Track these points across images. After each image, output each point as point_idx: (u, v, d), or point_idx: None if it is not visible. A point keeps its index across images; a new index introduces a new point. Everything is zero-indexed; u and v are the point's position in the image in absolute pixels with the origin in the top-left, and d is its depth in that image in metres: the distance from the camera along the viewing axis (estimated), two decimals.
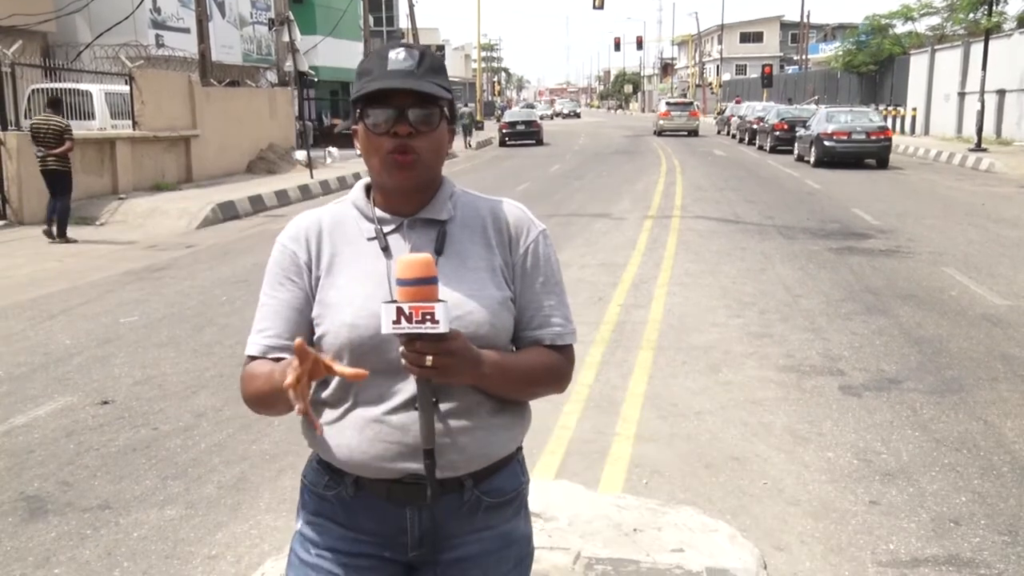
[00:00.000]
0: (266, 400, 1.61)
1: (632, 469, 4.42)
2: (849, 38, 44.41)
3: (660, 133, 40.88)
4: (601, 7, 48.87)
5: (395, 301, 1.45)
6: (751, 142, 32.73)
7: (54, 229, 11.98)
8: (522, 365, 1.65)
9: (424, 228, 1.66)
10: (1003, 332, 6.83)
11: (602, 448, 4.69)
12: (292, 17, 23.82)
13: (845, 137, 22.20)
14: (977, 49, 27.00)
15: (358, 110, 1.61)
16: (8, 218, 13.40)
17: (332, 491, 1.68)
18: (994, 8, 28.35)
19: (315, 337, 1.65)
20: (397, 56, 1.59)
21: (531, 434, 5.44)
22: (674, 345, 6.62)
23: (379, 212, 1.67)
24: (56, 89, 12.85)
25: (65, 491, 4.23)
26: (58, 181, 12.08)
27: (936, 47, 34.05)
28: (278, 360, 1.62)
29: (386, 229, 1.66)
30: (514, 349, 1.70)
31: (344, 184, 19.39)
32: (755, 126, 32.28)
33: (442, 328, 1.43)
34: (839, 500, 4.06)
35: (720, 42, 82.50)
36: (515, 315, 1.68)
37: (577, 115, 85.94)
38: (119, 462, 4.57)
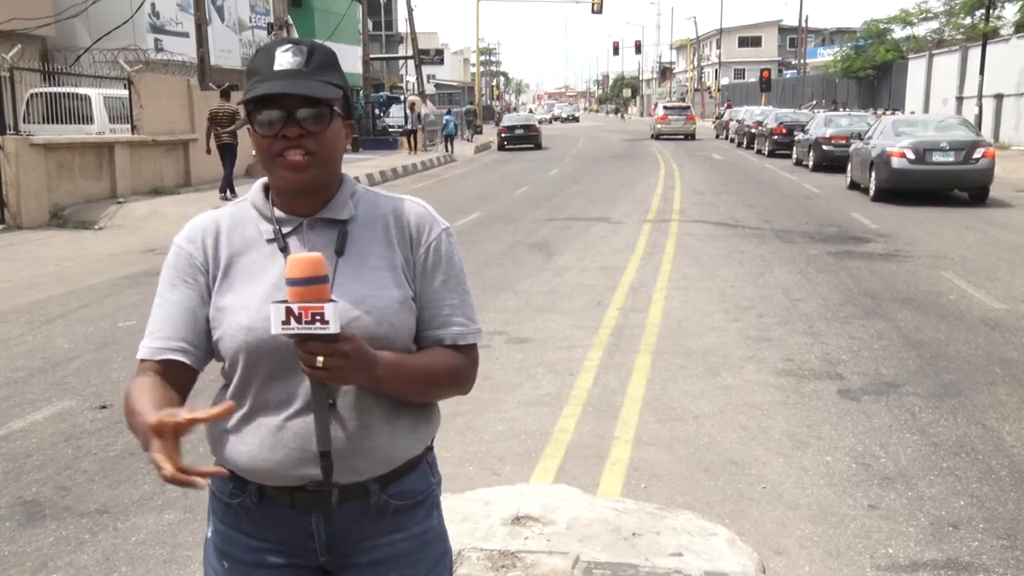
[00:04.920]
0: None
1: (631, 473, 4.42)
2: (848, 43, 44.51)
3: (658, 137, 41.58)
4: (600, 11, 48.92)
5: (284, 301, 1.42)
6: (749, 146, 32.77)
7: (228, 195, 15.48)
8: (421, 366, 1.62)
9: (324, 228, 1.62)
10: (1001, 336, 6.84)
11: (601, 452, 4.69)
12: (291, 21, 23.88)
13: (843, 141, 22.21)
14: (975, 54, 27.07)
15: (248, 112, 1.56)
16: (7, 222, 13.39)
17: (236, 499, 1.65)
18: (991, 13, 28.42)
19: (213, 340, 1.61)
20: (284, 54, 1.55)
21: (529, 438, 5.38)
22: (672, 349, 6.62)
23: (278, 212, 1.63)
24: (229, 84, 16.71)
25: (63, 496, 4.23)
26: (229, 151, 15.58)
27: (934, 51, 34.12)
28: (170, 361, 1.58)
29: (285, 230, 1.61)
30: (414, 349, 1.65)
31: None
32: (753, 130, 32.33)
33: (332, 328, 1.40)
34: (838, 504, 4.05)
35: (719, 46, 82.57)
36: (416, 314, 1.65)
37: (576, 119, 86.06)
38: (117, 466, 4.56)
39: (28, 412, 5.38)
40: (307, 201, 1.61)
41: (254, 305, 1.56)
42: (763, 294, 8.46)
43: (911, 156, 15.39)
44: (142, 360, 1.62)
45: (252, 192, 1.68)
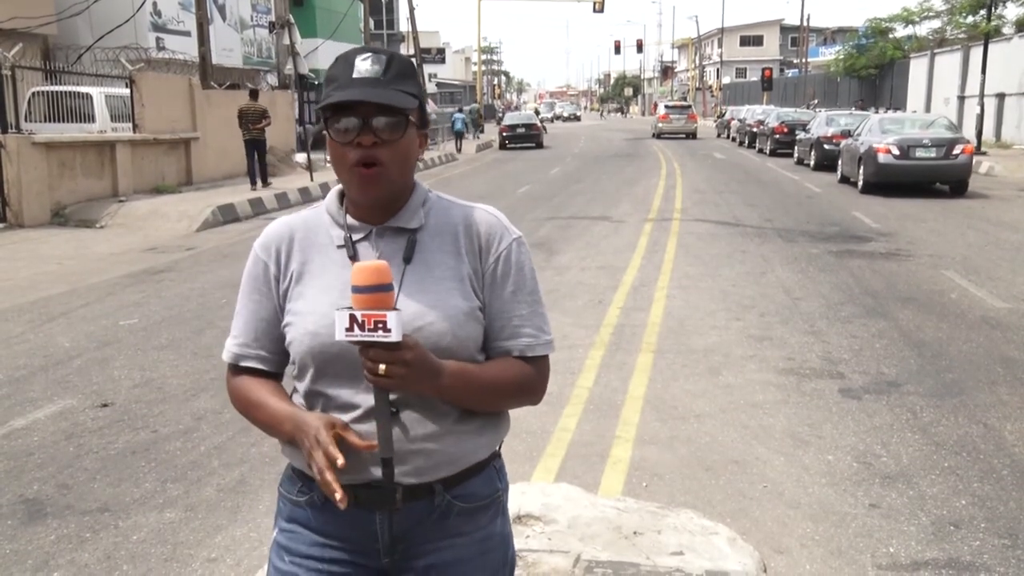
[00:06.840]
0: (264, 430, 1.69)
1: (632, 472, 4.42)
2: (849, 42, 44.48)
3: (659, 136, 41.55)
4: (601, 10, 48.89)
5: (349, 308, 1.45)
6: (751, 145, 32.75)
7: (258, 183, 17.07)
8: (487, 377, 1.62)
9: (393, 236, 1.64)
10: (1003, 335, 6.83)
11: (602, 451, 4.69)
12: (292, 20, 23.85)
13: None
14: (976, 53, 27.03)
15: (325, 118, 1.58)
16: (8, 221, 13.40)
17: (304, 497, 1.68)
18: (993, 12, 28.38)
19: (285, 343, 1.67)
20: (363, 62, 1.57)
21: (531, 437, 5.39)
22: (674, 348, 6.62)
23: (350, 219, 1.66)
24: (254, 89, 18.96)
25: (64, 494, 4.23)
26: (259, 146, 17.16)
27: (936, 51, 34.08)
28: (253, 369, 1.70)
29: (356, 237, 1.64)
30: (482, 360, 1.66)
31: None
32: (755, 129, 32.31)
33: (394, 337, 1.43)
34: (839, 503, 4.05)
35: (720, 45, 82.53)
36: (485, 325, 1.65)
37: (577, 118, 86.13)
38: (118, 465, 4.56)
39: (29, 410, 5.38)
40: (379, 209, 1.64)
41: (320, 311, 1.59)
42: (764, 293, 8.45)
43: (896, 152, 16.53)
44: (229, 364, 1.73)
45: (328, 198, 1.71)
